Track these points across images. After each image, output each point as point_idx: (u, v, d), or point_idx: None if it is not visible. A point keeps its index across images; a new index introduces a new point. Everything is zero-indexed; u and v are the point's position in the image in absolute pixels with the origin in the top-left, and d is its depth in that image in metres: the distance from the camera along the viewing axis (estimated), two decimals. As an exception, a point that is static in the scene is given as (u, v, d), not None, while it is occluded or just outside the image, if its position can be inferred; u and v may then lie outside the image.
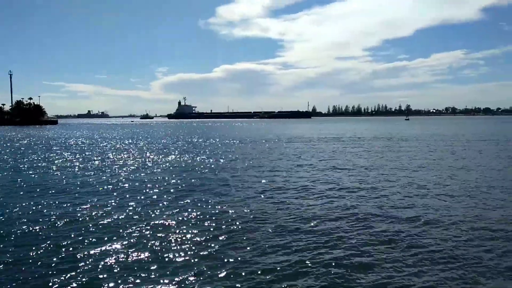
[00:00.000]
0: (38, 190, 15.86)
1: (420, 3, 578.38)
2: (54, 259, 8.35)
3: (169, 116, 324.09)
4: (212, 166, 23.27)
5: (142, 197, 14.30)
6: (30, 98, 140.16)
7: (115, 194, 14.98)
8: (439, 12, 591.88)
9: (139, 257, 8.45)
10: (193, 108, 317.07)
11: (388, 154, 29.72)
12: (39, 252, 8.78)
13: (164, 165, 23.79)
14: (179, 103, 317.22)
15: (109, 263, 8.12)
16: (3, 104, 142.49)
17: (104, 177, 19.05)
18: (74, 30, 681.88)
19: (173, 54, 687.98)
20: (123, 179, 18.44)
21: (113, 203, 13.29)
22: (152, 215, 11.75)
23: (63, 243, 9.27)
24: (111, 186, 16.55)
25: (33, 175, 20.03)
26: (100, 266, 7.95)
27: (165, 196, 14.38)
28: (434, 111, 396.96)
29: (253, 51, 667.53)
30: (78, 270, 7.76)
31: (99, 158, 28.71)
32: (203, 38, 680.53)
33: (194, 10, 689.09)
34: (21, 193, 15.33)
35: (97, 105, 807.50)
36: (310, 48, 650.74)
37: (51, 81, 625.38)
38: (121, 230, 10.26)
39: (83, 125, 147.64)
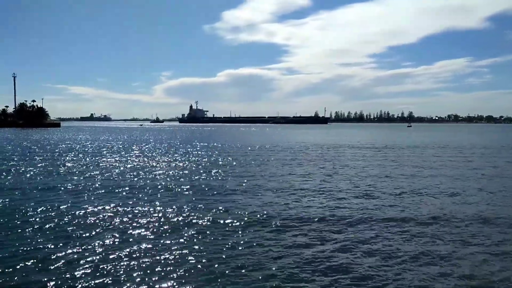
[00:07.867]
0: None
1: (426, 11, 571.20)
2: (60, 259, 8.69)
3: (180, 120, 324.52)
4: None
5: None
6: (34, 101, 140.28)
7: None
8: (445, 20, 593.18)
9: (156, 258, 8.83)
10: (205, 112, 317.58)
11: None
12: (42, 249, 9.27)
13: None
14: (191, 107, 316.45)
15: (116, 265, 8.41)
16: (7, 106, 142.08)
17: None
18: (77, 33, 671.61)
19: (177, 59, 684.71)
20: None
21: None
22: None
23: (72, 241, 9.82)
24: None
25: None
26: (101, 268, 8.22)
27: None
28: (437, 118, 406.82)
29: (257, 56, 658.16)
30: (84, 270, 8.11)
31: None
32: (208, 43, 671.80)
33: (199, 15, 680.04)
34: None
35: (99, 108, 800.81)
36: (315, 53, 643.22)
37: (54, 84, 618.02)
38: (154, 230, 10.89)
39: (97, 128, 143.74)
